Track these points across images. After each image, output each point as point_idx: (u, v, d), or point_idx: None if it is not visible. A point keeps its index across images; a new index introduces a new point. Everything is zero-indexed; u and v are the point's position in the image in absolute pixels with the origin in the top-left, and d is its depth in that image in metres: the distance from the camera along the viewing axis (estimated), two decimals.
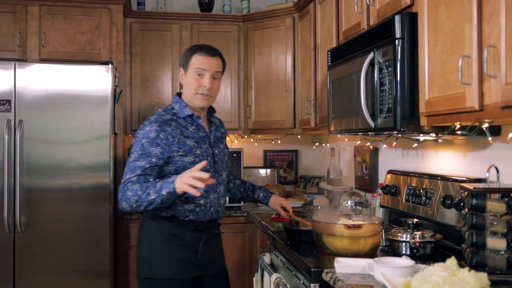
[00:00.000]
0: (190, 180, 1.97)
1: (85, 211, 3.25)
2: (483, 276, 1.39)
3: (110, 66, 3.28)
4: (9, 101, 3.13)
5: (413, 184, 2.46)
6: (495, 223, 1.70)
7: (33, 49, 3.38)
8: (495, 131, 1.95)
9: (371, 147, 3.08)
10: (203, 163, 2.04)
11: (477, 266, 1.66)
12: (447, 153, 2.39)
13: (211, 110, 2.41)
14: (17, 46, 3.36)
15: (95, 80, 3.25)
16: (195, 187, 1.97)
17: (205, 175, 1.99)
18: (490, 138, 1.90)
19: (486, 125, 1.77)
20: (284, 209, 2.65)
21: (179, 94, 2.36)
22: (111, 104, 3.29)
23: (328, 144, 3.87)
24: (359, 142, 3.25)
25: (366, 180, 3.21)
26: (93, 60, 3.44)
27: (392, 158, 2.92)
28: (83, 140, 3.23)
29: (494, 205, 1.70)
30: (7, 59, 3.29)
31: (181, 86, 2.40)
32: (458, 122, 1.79)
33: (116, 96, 3.39)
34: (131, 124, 3.79)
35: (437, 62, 1.79)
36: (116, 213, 3.42)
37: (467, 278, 1.35)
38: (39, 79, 3.19)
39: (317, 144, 3.97)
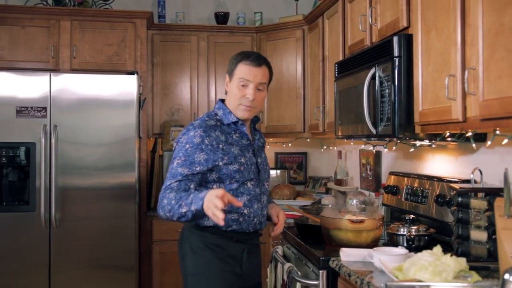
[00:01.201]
0: (214, 209, 1.80)
1: (112, 209, 3.56)
2: (463, 261, 1.67)
3: (135, 76, 3.58)
4: (45, 108, 3.44)
5: (412, 185, 2.74)
6: (478, 218, 1.98)
7: (65, 60, 3.70)
8: (481, 138, 2.23)
9: (374, 150, 3.36)
10: (239, 204, 1.92)
11: (462, 255, 1.93)
12: (442, 157, 2.66)
13: (255, 119, 2.33)
14: (51, 58, 3.68)
15: (122, 88, 3.56)
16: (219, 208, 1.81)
17: (237, 203, 1.89)
18: (474, 145, 2.18)
19: (470, 133, 2.05)
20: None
21: (222, 100, 2.29)
22: (136, 110, 3.59)
23: (335, 147, 4.15)
24: (362, 146, 3.53)
25: (370, 181, 3.49)
26: (120, 70, 3.75)
27: (394, 161, 3.20)
28: (111, 143, 3.54)
29: (477, 203, 1.98)
30: (43, 69, 3.61)
31: (226, 92, 2.30)
32: (447, 131, 2.07)
33: (141, 103, 3.70)
34: (152, 129, 4.09)
35: (429, 79, 2.07)
36: (140, 210, 3.72)
37: (449, 261, 1.63)
38: (71, 87, 3.50)
39: (324, 147, 4.25)
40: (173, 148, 2.18)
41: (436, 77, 2.01)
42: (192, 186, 2.05)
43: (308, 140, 4.32)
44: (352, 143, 3.81)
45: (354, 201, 3.31)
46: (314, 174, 4.59)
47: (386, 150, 3.17)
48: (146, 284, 3.82)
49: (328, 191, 4.08)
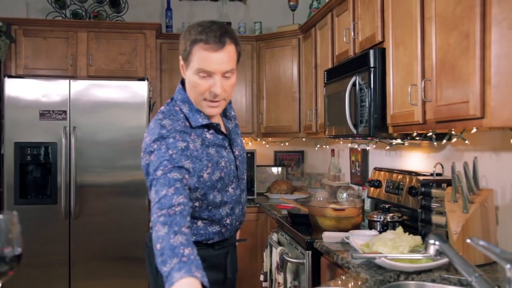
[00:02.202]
0: None
1: (125, 204, 3.92)
2: (418, 238, 2.03)
3: (145, 82, 3.96)
4: (65, 111, 3.83)
5: (391, 178, 3.09)
6: (438, 205, 2.33)
7: (83, 68, 4.09)
8: (450, 137, 2.58)
9: (359, 148, 3.72)
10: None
11: (425, 236, 2.29)
12: (417, 153, 3.02)
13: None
14: (69, 66, 4.06)
15: (133, 93, 3.94)
16: None
17: None
18: (435, 143, 2.54)
19: (430, 133, 2.40)
20: None
21: (183, 83, 1.83)
22: (147, 113, 3.97)
23: (328, 146, 4.51)
24: (349, 144, 3.89)
25: (359, 176, 3.85)
26: (131, 76, 4.13)
27: (378, 158, 3.55)
28: (124, 143, 3.91)
29: (438, 192, 2.34)
30: (62, 76, 4.00)
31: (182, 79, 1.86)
32: (413, 131, 2.42)
33: (151, 106, 4.08)
34: None
35: (398, 87, 2.43)
36: (150, 205, 4.08)
37: (406, 239, 1.99)
38: (88, 92, 3.88)
39: (318, 146, 4.61)
40: (146, 162, 1.66)
41: (403, 85, 2.36)
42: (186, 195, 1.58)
43: (303, 139, 4.68)
44: (341, 142, 4.17)
45: (344, 195, 3.67)
46: (310, 171, 4.95)
47: (368, 147, 3.53)
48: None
49: (322, 186, 4.44)
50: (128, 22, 4.27)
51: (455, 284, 1.76)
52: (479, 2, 1.72)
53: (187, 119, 1.77)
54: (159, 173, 1.58)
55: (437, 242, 1.37)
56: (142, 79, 3.99)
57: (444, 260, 1.73)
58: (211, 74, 1.69)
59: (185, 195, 1.55)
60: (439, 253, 1.35)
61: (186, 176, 1.63)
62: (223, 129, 1.89)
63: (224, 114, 1.96)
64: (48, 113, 3.80)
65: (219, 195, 1.83)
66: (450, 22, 1.91)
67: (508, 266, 1.18)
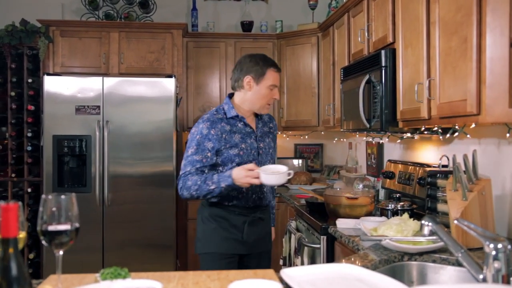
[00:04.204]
0: (248, 179, 2.32)
1: (154, 193, 4.17)
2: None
3: (173, 78, 4.21)
4: (98, 106, 4.11)
5: (403, 170, 3.29)
6: (444, 194, 2.53)
7: (114, 65, 4.37)
8: (454, 131, 2.77)
9: (374, 142, 3.92)
10: (250, 165, 2.35)
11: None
12: (427, 146, 3.21)
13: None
14: (102, 64, 4.35)
15: (162, 89, 4.19)
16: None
17: (254, 173, 2.32)
18: (441, 137, 2.73)
19: (436, 128, 2.60)
20: None
21: (230, 95, 2.66)
22: (174, 108, 4.22)
23: (345, 139, 4.71)
24: (364, 138, 4.09)
25: (374, 168, 4.05)
26: (160, 73, 4.39)
27: (392, 151, 3.74)
28: (153, 136, 4.17)
29: (443, 182, 2.52)
30: (96, 74, 4.29)
31: (234, 88, 2.64)
32: (421, 126, 2.62)
33: (177, 101, 4.34)
34: (187, 123, 4.73)
35: (406, 85, 2.62)
36: (177, 194, 4.34)
37: (410, 223, 2.20)
38: (120, 88, 4.15)
39: (336, 139, 4.82)
40: (187, 139, 2.59)
41: (411, 84, 2.56)
42: (206, 171, 2.48)
43: (322, 133, 4.88)
44: (357, 136, 4.36)
45: (360, 185, 3.86)
46: (329, 163, 5.15)
47: (381, 141, 3.72)
48: (182, 259, 4.46)
49: (340, 177, 4.64)
50: (157, 23, 4.53)
51: (453, 264, 1.96)
52: (475, 10, 1.91)
53: (225, 113, 2.57)
54: (188, 153, 2.51)
55: (430, 223, 1.58)
56: (169, 76, 4.24)
57: (442, 243, 1.93)
58: (275, 87, 2.59)
59: (199, 173, 2.47)
60: (432, 233, 1.56)
61: (208, 154, 2.49)
62: (250, 123, 2.63)
63: (260, 117, 2.71)
64: (83, 108, 4.09)
65: (235, 166, 2.47)
66: (452, 27, 2.10)
67: (487, 242, 1.38)
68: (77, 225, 1.40)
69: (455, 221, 1.50)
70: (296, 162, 5.15)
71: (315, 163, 5.23)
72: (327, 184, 4.52)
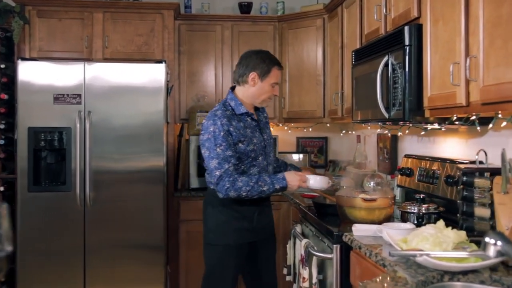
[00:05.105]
0: (300, 183, 2.60)
1: (142, 191, 3.76)
2: (462, 233, 1.82)
3: (163, 64, 3.79)
4: (79, 95, 3.68)
5: (425, 166, 2.88)
6: (482, 196, 2.12)
7: (98, 50, 3.93)
8: (488, 121, 2.35)
9: (389, 134, 3.50)
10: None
11: (467, 231, 2.08)
12: (453, 139, 2.80)
13: None
14: (84, 48, 3.92)
15: (151, 76, 3.76)
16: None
17: (304, 177, 2.63)
18: (479, 128, 2.31)
19: (474, 117, 2.18)
20: None
21: (233, 88, 2.76)
22: (164, 97, 3.80)
23: (353, 132, 4.30)
24: (378, 130, 3.67)
25: (387, 164, 3.64)
26: (149, 58, 3.96)
27: (409, 144, 3.33)
28: (141, 128, 3.75)
29: (481, 182, 2.12)
30: (77, 59, 3.85)
31: (237, 82, 2.72)
32: (453, 115, 2.21)
33: (168, 90, 3.91)
34: (179, 114, 4.31)
35: (436, 66, 2.21)
36: (168, 191, 3.94)
37: (449, 234, 1.79)
38: (103, 75, 3.72)
39: (344, 132, 4.40)
40: (202, 137, 2.60)
41: (442, 65, 2.14)
42: (238, 167, 2.59)
43: (328, 125, 4.47)
44: (369, 127, 3.95)
45: (371, 183, 3.45)
46: (334, 158, 4.74)
47: (400, 133, 3.31)
48: (173, 261, 4.06)
49: (347, 174, 4.23)
50: (146, 2, 4.09)
51: (508, 286, 1.55)
52: None
53: (233, 109, 2.67)
54: (218, 150, 2.55)
55: (498, 242, 1.17)
56: (159, 62, 3.82)
57: (497, 259, 1.52)
58: (277, 84, 2.74)
59: (235, 168, 2.57)
60: (501, 254, 1.15)
61: (233, 148, 2.57)
62: (256, 117, 2.76)
63: (257, 109, 2.81)
64: (62, 97, 3.66)
65: (251, 160, 2.64)
66: None
67: None
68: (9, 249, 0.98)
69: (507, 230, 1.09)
70: (296, 156, 4.73)
71: (319, 158, 4.81)
72: (333, 181, 4.10)
